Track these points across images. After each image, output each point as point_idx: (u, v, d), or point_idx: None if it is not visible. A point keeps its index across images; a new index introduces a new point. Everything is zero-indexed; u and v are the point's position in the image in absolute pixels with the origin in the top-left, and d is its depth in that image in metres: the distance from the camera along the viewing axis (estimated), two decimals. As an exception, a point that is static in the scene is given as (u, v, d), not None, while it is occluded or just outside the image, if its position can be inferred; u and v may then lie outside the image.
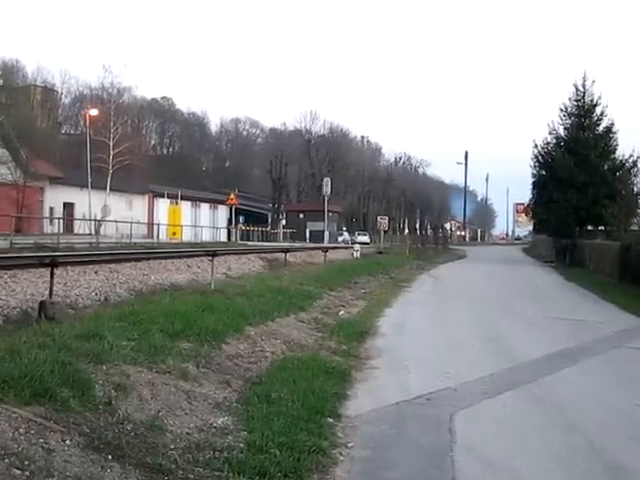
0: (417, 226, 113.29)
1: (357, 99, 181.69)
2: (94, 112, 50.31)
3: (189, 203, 61.99)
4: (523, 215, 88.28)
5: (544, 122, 44.09)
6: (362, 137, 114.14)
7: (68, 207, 49.63)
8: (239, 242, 48.90)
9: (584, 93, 41.88)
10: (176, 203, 58.48)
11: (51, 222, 43.23)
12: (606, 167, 40.52)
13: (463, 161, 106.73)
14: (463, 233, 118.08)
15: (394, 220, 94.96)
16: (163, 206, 57.76)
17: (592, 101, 41.73)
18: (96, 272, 15.73)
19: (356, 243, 45.94)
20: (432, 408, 7.32)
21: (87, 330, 7.55)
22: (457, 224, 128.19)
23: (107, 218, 43.98)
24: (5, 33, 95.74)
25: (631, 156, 40.41)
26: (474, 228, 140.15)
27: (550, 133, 43.16)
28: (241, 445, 5.49)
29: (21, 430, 4.52)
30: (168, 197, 58.29)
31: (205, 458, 5.10)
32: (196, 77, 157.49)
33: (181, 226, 52.54)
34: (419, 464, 5.68)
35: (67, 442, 4.60)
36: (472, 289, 23.61)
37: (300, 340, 10.73)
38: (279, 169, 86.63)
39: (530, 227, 78.54)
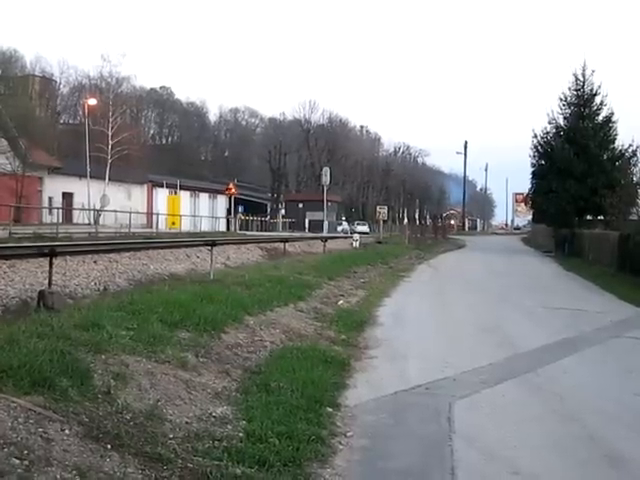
0: (416, 216, 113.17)
1: (356, 89, 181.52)
2: (93, 102, 50.08)
3: (188, 193, 61.90)
4: (522, 205, 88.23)
5: (544, 112, 44.14)
6: (361, 127, 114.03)
7: (67, 197, 49.53)
8: (238, 232, 48.91)
9: (584, 82, 41.84)
10: (175, 193, 58.39)
11: (50, 212, 43.13)
12: (605, 157, 40.48)
13: (462, 151, 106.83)
14: (460, 223, 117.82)
15: (393, 210, 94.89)
16: (162, 196, 57.68)
17: (592, 90, 41.69)
18: (95, 262, 15.73)
19: (355, 233, 45.90)
20: (431, 398, 7.32)
21: (86, 320, 7.55)
22: (455, 212, 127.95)
23: (106, 208, 43.90)
24: (3, 23, 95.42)
25: (630, 146, 40.49)
26: (473, 218, 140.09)
27: (549, 123, 43.22)
28: (240, 434, 5.50)
29: (20, 419, 4.52)
30: (167, 187, 58.20)
31: (204, 447, 5.11)
32: (195, 66, 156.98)
33: (180, 216, 52.43)
34: (418, 453, 5.69)
35: (66, 431, 4.60)
36: (471, 279, 23.60)
37: (299, 330, 10.74)
38: (278, 159, 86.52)
39: (529, 217, 78.45)
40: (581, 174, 38.92)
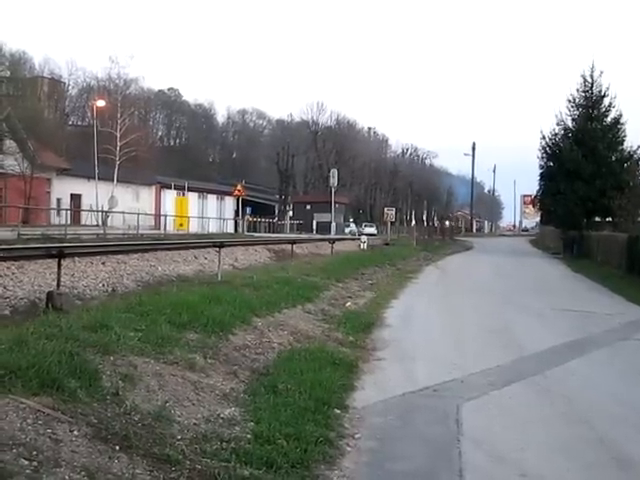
0: (424, 217, 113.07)
1: (364, 90, 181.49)
2: (101, 103, 50.21)
3: (196, 194, 62.02)
4: (530, 206, 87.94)
5: (552, 113, 43.98)
6: (369, 128, 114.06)
7: (75, 198, 49.70)
8: (246, 233, 48.99)
9: (592, 84, 41.69)
10: (183, 194, 58.52)
11: (58, 213, 43.29)
12: (614, 158, 40.33)
13: (470, 152, 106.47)
14: (467, 225, 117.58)
15: (401, 211, 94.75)
16: (170, 197, 57.82)
17: (600, 92, 41.54)
18: (103, 263, 15.77)
19: (363, 234, 45.85)
20: (439, 399, 7.32)
21: (94, 321, 7.56)
22: (463, 214, 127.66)
23: (114, 209, 44.04)
24: (12, 25, 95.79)
25: (639, 147, 40.30)
26: (481, 220, 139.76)
27: (558, 124, 43.06)
28: (248, 436, 5.50)
29: (29, 420, 4.53)
30: (175, 188, 58.33)
31: (212, 449, 5.11)
32: (203, 68, 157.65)
33: (188, 217, 52.57)
34: (426, 455, 5.68)
35: (75, 432, 4.61)
36: (479, 281, 23.56)
37: (307, 331, 10.74)
38: (286, 160, 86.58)
39: (537, 219, 78.22)
40: (589, 176, 38.78)
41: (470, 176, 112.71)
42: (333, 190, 55.63)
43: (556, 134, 43.12)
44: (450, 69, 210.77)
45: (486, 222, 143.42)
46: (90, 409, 5.11)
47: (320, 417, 6.15)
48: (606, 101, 41.46)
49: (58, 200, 47.89)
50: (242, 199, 55.81)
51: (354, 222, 79.32)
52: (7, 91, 50.59)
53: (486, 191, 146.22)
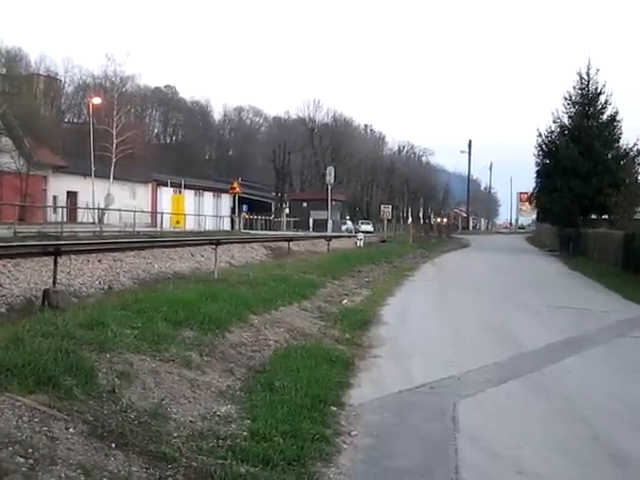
0: (420, 215, 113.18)
1: (361, 88, 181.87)
2: (97, 100, 50.08)
3: (192, 192, 61.95)
4: (527, 204, 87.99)
5: (548, 110, 44.04)
6: (365, 126, 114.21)
7: (71, 196, 49.56)
8: (242, 231, 48.89)
9: (588, 81, 41.79)
10: (179, 192, 58.40)
11: (54, 211, 43.23)
12: (610, 156, 40.43)
13: (466, 150, 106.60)
14: (464, 223, 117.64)
15: (397, 209, 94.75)
16: (166, 195, 57.75)
17: (596, 89, 41.65)
18: (100, 261, 15.77)
19: (359, 232, 45.87)
20: (435, 397, 7.31)
21: (91, 318, 7.55)
22: (459, 211, 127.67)
23: (110, 207, 43.95)
24: (8, 21, 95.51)
25: (635, 145, 40.47)
26: (477, 218, 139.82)
27: (554, 122, 43.16)
28: (244, 433, 5.50)
29: (25, 418, 4.52)
30: (171, 186, 58.25)
31: (209, 446, 5.10)
32: (199, 65, 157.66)
33: (184, 215, 52.50)
34: (422, 453, 5.67)
35: (71, 430, 4.60)
36: (475, 278, 23.57)
37: (304, 329, 10.73)
38: (282, 158, 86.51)
39: (534, 216, 78.22)
40: (586, 173, 38.86)
41: (466, 173, 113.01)
42: (330, 187, 55.57)
43: (552, 131, 43.25)
44: (447, 67, 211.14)
45: (482, 219, 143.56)
46: (86, 407, 5.10)
47: (316, 414, 6.14)
48: (602, 99, 41.63)
49: (54, 198, 47.71)
50: (238, 196, 55.76)
51: (351, 219, 79.35)
52: (3, 88, 50.52)
53: (482, 188, 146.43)
